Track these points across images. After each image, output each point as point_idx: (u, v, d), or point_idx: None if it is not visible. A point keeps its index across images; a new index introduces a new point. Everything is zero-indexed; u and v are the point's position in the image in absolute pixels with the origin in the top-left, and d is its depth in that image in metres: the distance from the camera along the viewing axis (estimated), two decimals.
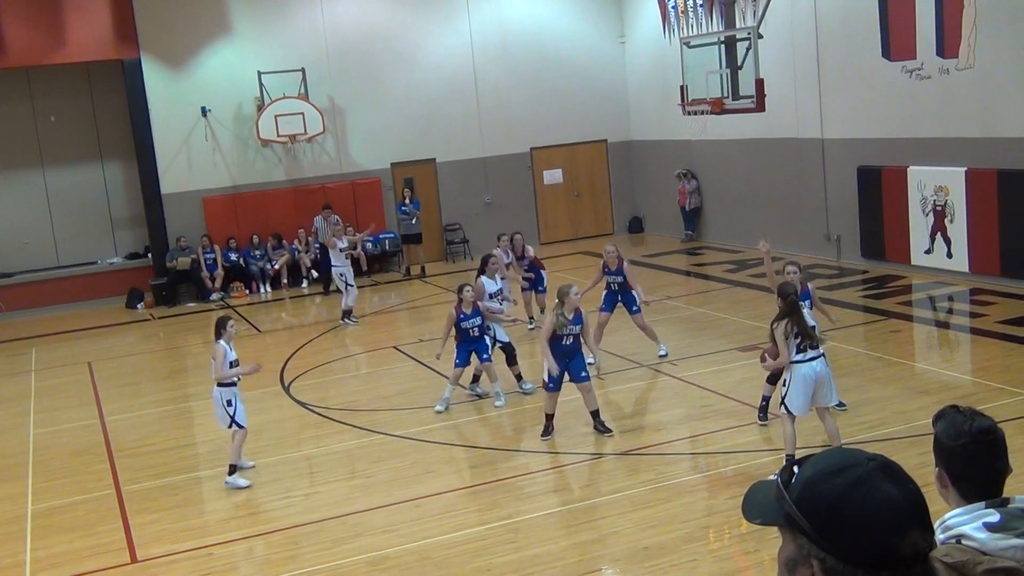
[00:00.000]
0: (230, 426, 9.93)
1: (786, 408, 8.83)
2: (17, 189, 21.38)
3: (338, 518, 8.98)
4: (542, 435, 10.53)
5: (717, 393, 11.57)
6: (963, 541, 2.42)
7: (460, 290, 11.85)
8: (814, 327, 8.95)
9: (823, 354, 8.95)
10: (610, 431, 10.45)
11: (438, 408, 11.77)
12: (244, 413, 10.03)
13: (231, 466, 9.98)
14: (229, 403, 9.86)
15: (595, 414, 10.53)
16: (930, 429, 2.81)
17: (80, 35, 20.27)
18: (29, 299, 20.78)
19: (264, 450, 11.05)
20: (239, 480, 9.92)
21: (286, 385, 13.63)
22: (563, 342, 10.36)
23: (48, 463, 11.31)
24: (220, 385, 9.89)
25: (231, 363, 9.89)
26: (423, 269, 21.64)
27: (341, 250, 17.16)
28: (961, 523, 2.47)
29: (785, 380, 8.88)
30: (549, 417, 10.56)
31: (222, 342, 9.85)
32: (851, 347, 13.06)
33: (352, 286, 17.12)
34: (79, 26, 20.23)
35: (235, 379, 9.96)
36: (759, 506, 1.92)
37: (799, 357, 8.80)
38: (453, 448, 10.71)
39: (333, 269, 17.47)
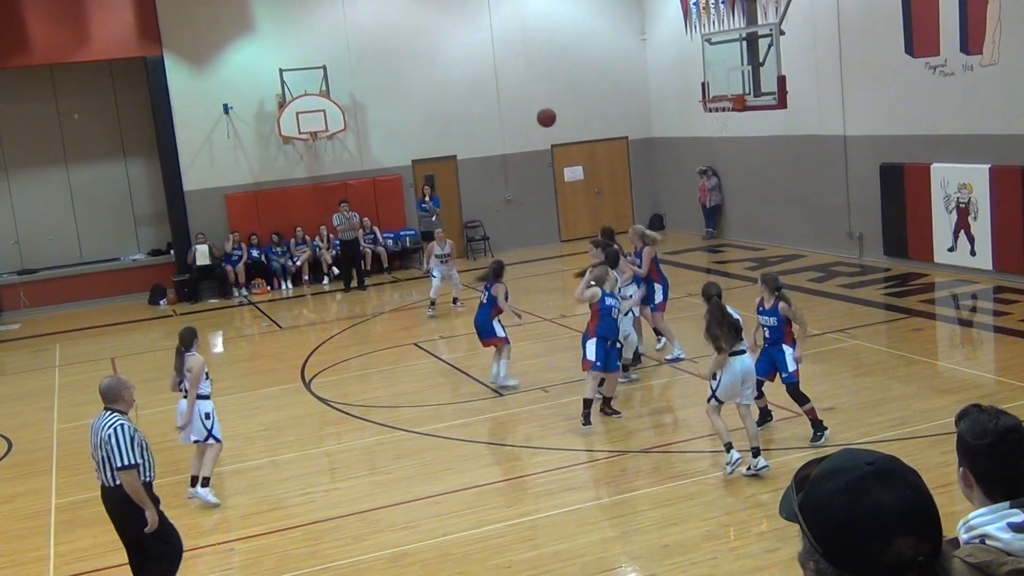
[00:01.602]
0: (206, 440, 9.45)
1: (716, 399, 9.08)
2: (41, 186, 21.54)
3: (358, 514, 9.02)
4: (611, 414, 11.00)
5: None
6: (987, 541, 2.40)
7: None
8: (734, 322, 9.08)
9: (747, 350, 9.25)
10: (618, 413, 10.99)
11: (512, 383, 12.15)
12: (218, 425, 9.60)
13: (204, 478, 9.50)
14: (208, 416, 9.40)
15: (608, 400, 11.01)
16: (953, 428, 2.78)
17: (103, 33, 20.41)
18: (53, 295, 20.95)
19: (285, 446, 11.12)
20: (210, 496, 9.47)
21: (307, 381, 13.69)
22: (611, 314, 10.73)
23: (72, 458, 11.36)
24: (199, 397, 9.41)
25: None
26: None
27: (436, 256, 17.23)
28: (985, 523, 2.45)
29: (715, 374, 9.10)
30: (608, 401, 11.02)
31: (196, 353, 9.45)
32: (873, 345, 12.99)
33: (451, 276, 17.31)
34: (102, 24, 20.37)
35: (210, 391, 9.54)
36: (786, 502, 1.94)
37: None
38: (473, 445, 10.72)
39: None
